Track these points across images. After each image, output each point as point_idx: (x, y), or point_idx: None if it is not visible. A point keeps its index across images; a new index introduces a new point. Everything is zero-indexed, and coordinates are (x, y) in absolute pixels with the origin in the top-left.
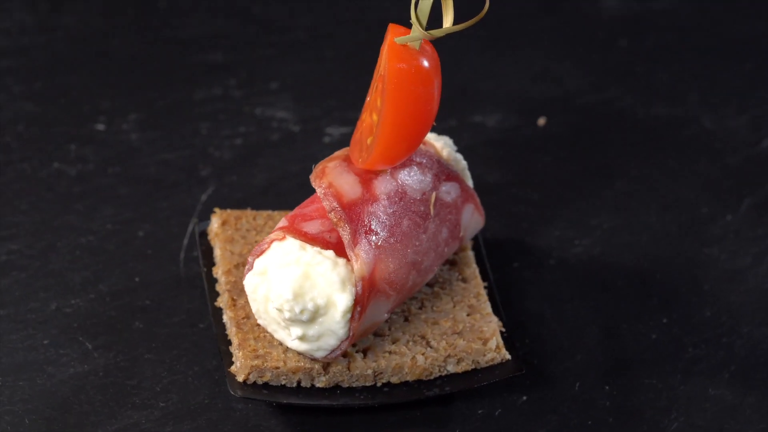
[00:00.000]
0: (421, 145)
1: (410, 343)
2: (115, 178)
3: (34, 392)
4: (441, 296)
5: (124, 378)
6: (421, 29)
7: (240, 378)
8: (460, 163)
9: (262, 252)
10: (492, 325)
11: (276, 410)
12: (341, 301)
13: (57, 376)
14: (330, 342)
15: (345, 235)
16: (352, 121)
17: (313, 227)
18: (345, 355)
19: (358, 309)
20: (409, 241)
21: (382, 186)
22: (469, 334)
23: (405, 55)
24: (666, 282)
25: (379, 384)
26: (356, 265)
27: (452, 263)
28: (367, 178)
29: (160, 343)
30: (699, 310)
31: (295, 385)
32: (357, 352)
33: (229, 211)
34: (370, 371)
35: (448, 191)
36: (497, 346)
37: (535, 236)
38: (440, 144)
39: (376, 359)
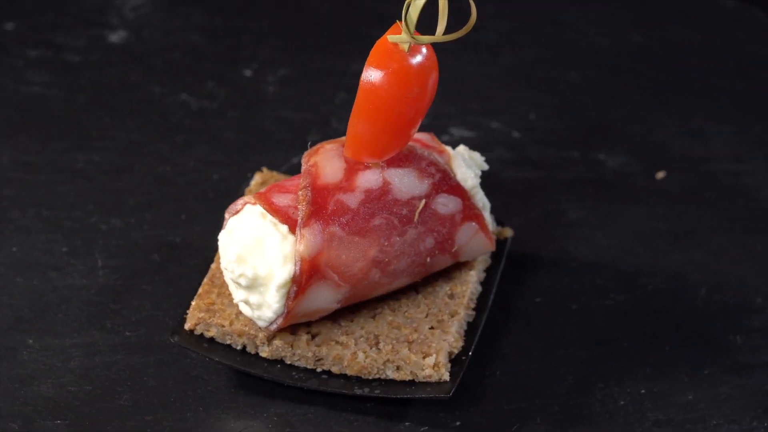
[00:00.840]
0: (434, 153)
1: (361, 339)
2: (227, 122)
3: (24, 290)
4: (420, 305)
5: (110, 301)
6: (407, 33)
7: (186, 326)
8: (468, 182)
9: (236, 212)
10: (443, 344)
11: (223, 369)
12: (278, 275)
13: (53, 282)
14: (267, 314)
15: (301, 214)
16: (478, 127)
17: (282, 200)
18: (293, 332)
19: (294, 288)
20: (376, 239)
21: (365, 179)
22: (418, 345)
23: (392, 54)
24: (671, 356)
25: (319, 369)
26: (299, 245)
27: (449, 278)
28: (354, 168)
29: (163, 278)
30: (683, 391)
31: (239, 348)
32: (307, 333)
33: (273, 173)
34: (310, 354)
35: (446, 204)
36: (435, 364)
37: (575, 279)
38: (456, 157)
39: (320, 344)
